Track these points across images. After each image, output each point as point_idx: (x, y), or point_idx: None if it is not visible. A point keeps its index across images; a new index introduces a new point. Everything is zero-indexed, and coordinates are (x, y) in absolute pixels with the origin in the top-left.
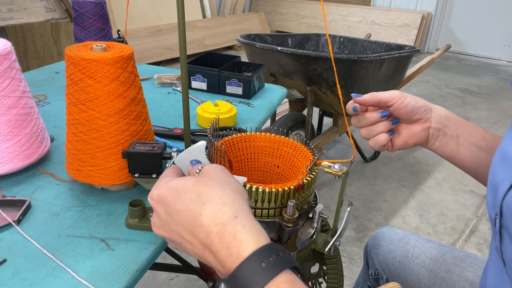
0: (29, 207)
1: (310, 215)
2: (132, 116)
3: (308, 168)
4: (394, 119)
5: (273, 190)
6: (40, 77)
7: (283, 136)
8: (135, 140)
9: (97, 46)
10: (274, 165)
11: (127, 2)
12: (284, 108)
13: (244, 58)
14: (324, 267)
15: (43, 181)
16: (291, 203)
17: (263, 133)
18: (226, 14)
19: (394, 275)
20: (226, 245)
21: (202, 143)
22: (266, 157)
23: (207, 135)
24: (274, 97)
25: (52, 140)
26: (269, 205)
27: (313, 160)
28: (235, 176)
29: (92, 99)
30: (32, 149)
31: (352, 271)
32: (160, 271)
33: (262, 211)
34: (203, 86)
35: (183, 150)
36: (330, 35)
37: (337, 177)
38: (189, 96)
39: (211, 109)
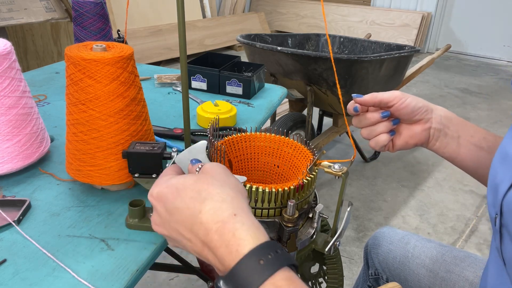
0: (29, 207)
1: (310, 215)
2: (132, 116)
3: (308, 168)
4: (395, 119)
5: (273, 190)
6: (40, 77)
7: (283, 136)
8: (135, 140)
9: (97, 46)
10: (274, 165)
11: (127, 2)
12: (284, 108)
13: (244, 58)
14: (324, 267)
15: (43, 181)
16: (291, 203)
17: (263, 133)
18: (226, 14)
19: (394, 275)
20: (226, 243)
21: (202, 143)
22: (266, 157)
23: (207, 135)
24: (274, 97)
25: (52, 140)
26: (269, 205)
27: (313, 160)
28: (234, 175)
29: (92, 99)
30: (32, 149)
31: (352, 271)
32: (160, 271)
33: (262, 211)
34: (203, 86)
35: (183, 150)
36: (330, 35)
37: (337, 177)
38: (189, 96)
39: (211, 109)
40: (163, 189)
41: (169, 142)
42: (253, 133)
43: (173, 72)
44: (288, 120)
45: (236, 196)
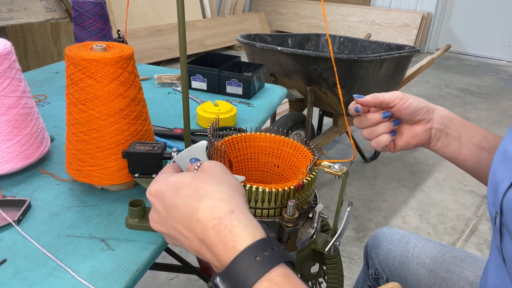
0: (29, 207)
1: (310, 215)
2: (132, 116)
3: (308, 168)
4: (396, 120)
5: (273, 190)
6: (40, 77)
7: (283, 136)
8: (135, 140)
9: (97, 46)
10: (274, 165)
11: (127, 2)
12: (284, 108)
13: (244, 58)
14: (324, 267)
15: (43, 181)
16: (291, 203)
17: (263, 133)
18: (226, 14)
19: (394, 275)
20: (222, 240)
21: (202, 143)
22: (266, 157)
23: (207, 135)
24: (274, 97)
25: (52, 140)
26: (269, 205)
27: (313, 160)
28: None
29: (92, 99)
30: (32, 149)
31: (352, 271)
32: (160, 271)
33: (262, 211)
34: (203, 86)
35: (183, 150)
36: (330, 35)
37: (337, 177)
38: (189, 96)
39: (211, 109)
40: (161, 186)
41: (169, 142)
42: (253, 133)
43: (173, 72)
44: (288, 120)
45: (234, 194)
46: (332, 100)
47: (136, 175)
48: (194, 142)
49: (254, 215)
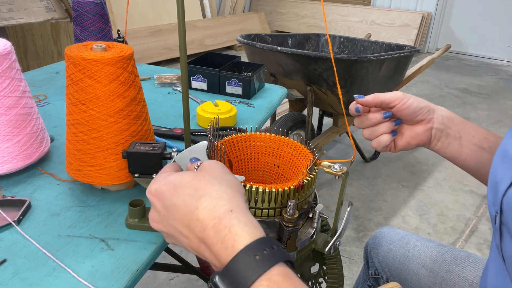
0: (29, 207)
1: (310, 215)
2: (132, 116)
3: (308, 168)
4: (397, 120)
5: (273, 190)
6: (40, 77)
7: (283, 136)
8: (135, 140)
9: (97, 46)
10: (274, 165)
11: (127, 2)
12: (284, 108)
13: (244, 58)
14: (324, 267)
15: (43, 181)
16: (291, 203)
17: (263, 133)
18: (226, 14)
19: (394, 274)
20: (221, 239)
21: (203, 143)
22: (266, 157)
23: (207, 135)
24: (274, 97)
25: (52, 140)
26: (269, 205)
27: (313, 160)
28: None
29: (92, 99)
30: (32, 149)
31: (352, 271)
32: (160, 271)
33: (262, 211)
34: (203, 86)
35: (183, 150)
36: (330, 35)
37: (337, 177)
38: (189, 96)
39: (211, 109)
40: (161, 186)
41: (169, 142)
42: (253, 133)
43: (173, 72)
44: (288, 120)
45: (234, 194)
46: (332, 100)
47: (136, 175)
48: (194, 142)
49: (254, 215)
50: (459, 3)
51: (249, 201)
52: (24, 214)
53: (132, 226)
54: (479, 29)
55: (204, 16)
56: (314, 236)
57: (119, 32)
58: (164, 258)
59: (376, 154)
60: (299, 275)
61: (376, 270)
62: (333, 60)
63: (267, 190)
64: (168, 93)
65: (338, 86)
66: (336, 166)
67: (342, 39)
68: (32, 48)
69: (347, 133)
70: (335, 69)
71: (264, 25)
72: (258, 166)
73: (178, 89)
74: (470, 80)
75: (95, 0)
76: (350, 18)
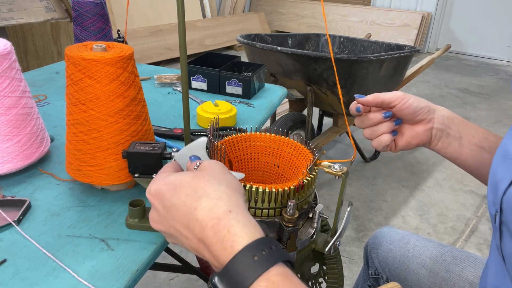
0: (29, 207)
1: (310, 215)
2: (132, 116)
3: (308, 168)
4: (397, 119)
5: (273, 190)
6: (40, 77)
7: (283, 136)
8: (135, 140)
9: (97, 46)
10: (274, 165)
11: (127, 2)
12: (284, 108)
13: (244, 58)
14: (324, 267)
15: (43, 181)
16: (291, 203)
17: (263, 133)
18: (226, 14)
19: (394, 274)
20: (220, 239)
21: (202, 140)
22: (266, 157)
23: (207, 135)
24: (274, 97)
25: (52, 140)
26: (269, 205)
27: (313, 160)
28: (232, 172)
29: (92, 99)
30: (32, 149)
31: (352, 271)
32: (160, 271)
33: (262, 211)
34: (203, 86)
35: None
36: (330, 35)
37: (337, 177)
38: (189, 96)
39: (211, 109)
40: (161, 186)
41: (169, 142)
42: (253, 133)
43: (173, 72)
44: (288, 120)
45: (233, 194)
46: (332, 100)
47: (136, 175)
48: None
49: (254, 215)
50: (459, 3)
51: (249, 201)
52: (24, 214)
53: (132, 226)
54: (479, 29)
55: (204, 16)
56: (314, 236)
57: (119, 32)
58: (164, 258)
59: (376, 154)
60: (299, 275)
61: (376, 270)
62: (333, 60)
63: (267, 190)
64: (168, 93)
65: (338, 86)
66: (336, 166)
67: (342, 39)
68: (32, 48)
69: (347, 133)
70: (335, 69)
71: (264, 25)
72: (258, 166)
73: (178, 89)
74: (470, 80)
75: (95, 0)
76: (350, 18)
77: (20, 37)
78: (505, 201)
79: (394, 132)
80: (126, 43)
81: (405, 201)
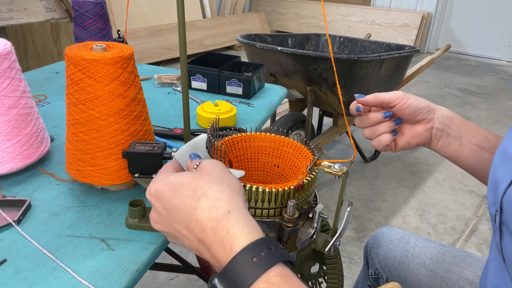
0: (29, 207)
1: (310, 215)
2: (132, 116)
3: (308, 168)
4: (397, 119)
5: (273, 190)
6: (40, 77)
7: (283, 136)
8: (135, 140)
9: (97, 46)
10: (274, 165)
11: (127, 2)
12: (284, 108)
13: (244, 58)
14: (324, 267)
15: (43, 181)
16: (291, 203)
17: (263, 133)
18: (226, 14)
19: (394, 274)
20: (220, 240)
21: (202, 137)
22: (266, 157)
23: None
24: (274, 97)
25: (52, 140)
26: (269, 205)
27: (313, 160)
28: (232, 170)
29: (92, 99)
30: (32, 149)
31: (352, 271)
32: (160, 271)
33: (262, 211)
34: (203, 86)
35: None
36: (330, 35)
37: (337, 177)
38: (189, 96)
39: (211, 109)
40: (161, 186)
41: (169, 142)
42: (253, 133)
43: (173, 72)
44: (288, 120)
45: (232, 194)
46: (332, 100)
47: (136, 175)
48: None
49: (254, 215)
50: (459, 3)
51: (249, 201)
52: (24, 214)
53: (132, 226)
54: (479, 29)
55: (204, 16)
56: (314, 236)
57: (119, 32)
58: (164, 258)
59: (376, 154)
60: (299, 275)
61: (376, 270)
62: (333, 60)
63: (267, 190)
64: (168, 93)
65: (338, 86)
66: (336, 166)
67: (342, 39)
68: (32, 48)
69: (347, 133)
70: (335, 69)
71: (264, 25)
72: (258, 166)
73: (178, 89)
74: (470, 80)
75: (95, 0)
76: (350, 18)
77: (20, 37)
78: (505, 201)
79: (394, 132)
80: (126, 43)
81: (405, 201)
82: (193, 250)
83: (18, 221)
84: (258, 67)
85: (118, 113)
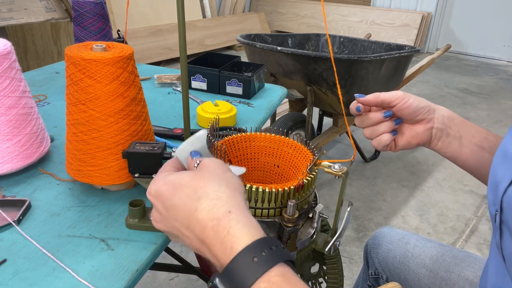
0: (29, 207)
1: (310, 215)
2: (132, 116)
3: (308, 168)
4: (397, 119)
5: (273, 190)
6: (40, 77)
7: (283, 136)
8: (135, 140)
9: (97, 46)
10: (274, 165)
11: (127, 2)
12: (284, 108)
13: (244, 58)
14: (324, 267)
15: (43, 181)
16: (291, 203)
17: (263, 133)
18: (226, 14)
19: (394, 274)
20: (220, 240)
21: (202, 133)
22: (266, 157)
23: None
24: (274, 97)
25: (52, 140)
26: (269, 205)
27: (313, 160)
28: (232, 167)
29: (92, 99)
30: (32, 149)
31: (352, 271)
32: (160, 271)
33: (262, 211)
34: (203, 86)
35: None
36: (330, 35)
37: (337, 177)
38: (189, 96)
39: (211, 109)
40: (161, 186)
41: (169, 142)
42: (253, 133)
43: (173, 72)
44: (288, 120)
45: (233, 194)
46: (332, 100)
47: (136, 175)
48: None
49: (254, 215)
50: (459, 3)
51: (249, 201)
52: (24, 214)
53: (132, 226)
54: (479, 29)
55: (204, 16)
56: (314, 236)
57: (119, 32)
58: (164, 258)
59: (376, 154)
60: (299, 275)
61: (376, 270)
62: (333, 60)
63: (267, 190)
64: (168, 93)
65: (338, 86)
66: (336, 166)
67: (342, 39)
68: (32, 48)
69: (347, 133)
70: (335, 69)
71: (264, 25)
72: (258, 166)
73: (178, 89)
74: (470, 80)
75: (95, 0)
76: (350, 18)
77: (20, 37)
78: (505, 201)
79: (394, 132)
80: (126, 43)
81: (405, 201)
82: (194, 250)
83: (18, 221)
84: (258, 67)
85: (118, 113)
